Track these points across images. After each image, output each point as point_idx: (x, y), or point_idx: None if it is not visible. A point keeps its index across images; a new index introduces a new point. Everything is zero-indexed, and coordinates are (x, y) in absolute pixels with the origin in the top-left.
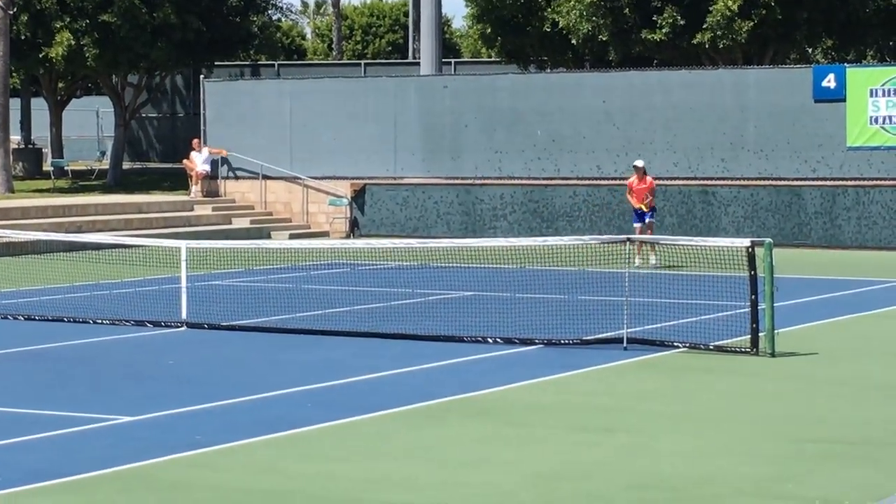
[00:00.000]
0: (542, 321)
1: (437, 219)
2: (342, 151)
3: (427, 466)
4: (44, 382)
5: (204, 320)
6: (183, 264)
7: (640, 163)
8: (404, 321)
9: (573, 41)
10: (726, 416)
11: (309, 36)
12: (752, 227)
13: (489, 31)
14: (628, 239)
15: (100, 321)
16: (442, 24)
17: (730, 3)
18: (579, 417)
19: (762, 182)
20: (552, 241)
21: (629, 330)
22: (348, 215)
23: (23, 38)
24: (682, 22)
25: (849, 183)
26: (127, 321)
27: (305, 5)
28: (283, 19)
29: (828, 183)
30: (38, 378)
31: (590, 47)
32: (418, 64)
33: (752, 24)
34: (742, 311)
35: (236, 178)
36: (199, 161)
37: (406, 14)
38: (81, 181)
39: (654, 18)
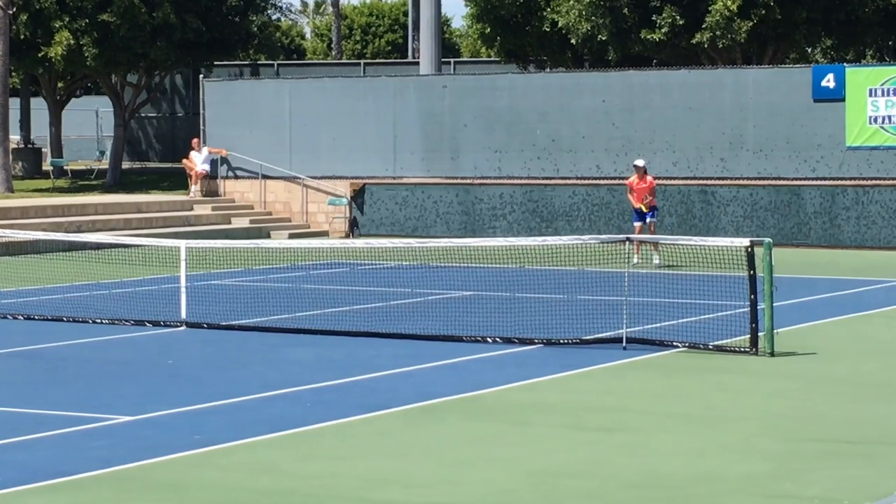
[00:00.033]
0: (542, 321)
1: (436, 218)
2: (341, 151)
3: (426, 465)
4: (43, 382)
5: (203, 320)
6: (182, 264)
7: (640, 162)
8: (404, 321)
9: (572, 41)
10: (725, 416)
11: (308, 35)
12: (751, 227)
13: (488, 30)
14: (627, 238)
15: (99, 321)
16: (441, 23)
17: (729, 3)
18: (578, 417)
19: (761, 182)
20: (551, 240)
21: (628, 329)
22: (348, 215)
23: (22, 37)
24: (681, 22)
25: (848, 182)
26: (126, 321)
27: (305, 5)
28: (282, 19)
29: (827, 182)
30: (38, 377)
31: (589, 47)
32: (418, 63)
33: (751, 23)
34: (741, 310)
35: (236, 177)
36: (198, 161)
37: (405, 14)
38: (81, 181)
39: (653, 18)
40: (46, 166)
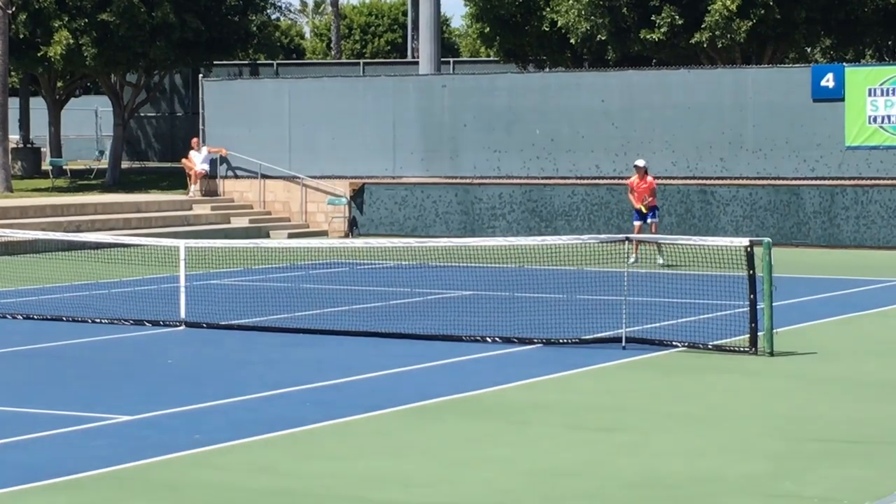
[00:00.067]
0: (541, 320)
1: (435, 218)
2: (341, 151)
3: (426, 465)
4: (42, 381)
5: (202, 319)
6: (181, 263)
7: (640, 162)
8: (403, 320)
9: (572, 41)
10: (725, 415)
11: (308, 35)
12: (750, 227)
13: (488, 30)
14: (627, 238)
15: (98, 320)
16: (441, 23)
17: (728, 3)
18: (578, 416)
19: (761, 181)
20: (551, 240)
21: (628, 329)
22: (347, 214)
23: (21, 37)
24: (680, 21)
25: (847, 182)
26: (125, 320)
27: (304, 4)
28: (281, 18)
29: (826, 182)
30: (37, 377)
31: (588, 47)
32: (417, 63)
33: (750, 23)
34: (741, 310)
35: (235, 177)
36: (197, 160)
37: (405, 13)
38: (80, 180)
39: (652, 18)
40: (45, 166)
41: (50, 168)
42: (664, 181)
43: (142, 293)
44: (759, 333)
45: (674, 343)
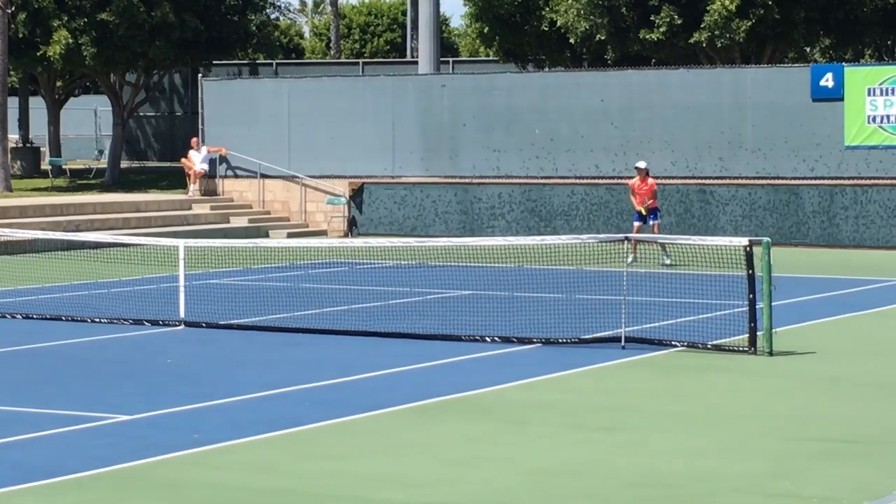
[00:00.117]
0: (540, 320)
1: (435, 218)
2: (340, 150)
3: (425, 464)
4: (41, 381)
5: (202, 319)
6: (181, 263)
7: (642, 164)
8: (402, 320)
9: (571, 40)
10: (724, 415)
11: (307, 35)
12: (750, 226)
13: (487, 30)
14: (626, 238)
15: (98, 320)
16: (440, 23)
17: (727, 3)
18: (577, 416)
19: (760, 181)
20: (550, 240)
21: (627, 329)
22: (346, 214)
23: (21, 36)
24: (679, 21)
25: (847, 182)
26: (125, 320)
27: (304, 4)
28: (281, 18)
29: (826, 182)
30: (36, 376)
31: (587, 46)
32: (416, 63)
33: (749, 23)
34: (740, 310)
35: (235, 176)
36: (197, 160)
37: (404, 13)
38: (79, 180)
39: (651, 18)
40: (45, 165)
41: (49, 168)
42: (663, 181)
43: (141, 293)
44: (759, 333)
45: (673, 343)
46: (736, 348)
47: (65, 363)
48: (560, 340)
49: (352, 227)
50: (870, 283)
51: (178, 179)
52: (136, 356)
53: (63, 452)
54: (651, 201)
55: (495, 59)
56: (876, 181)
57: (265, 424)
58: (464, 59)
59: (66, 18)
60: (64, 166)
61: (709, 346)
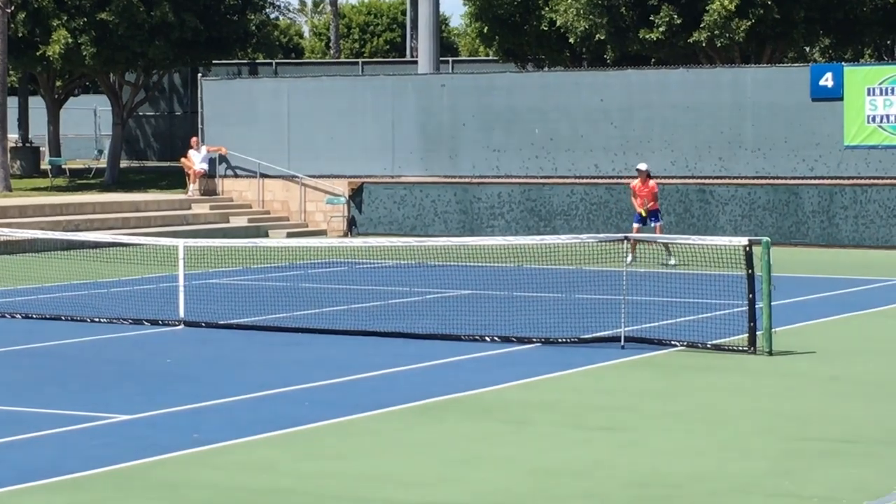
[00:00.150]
0: (540, 320)
1: (434, 217)
2: (340, 150)
3: (425, 464)
4: (41, 380)
5: (201, 319)
6: (180, 263)
7: (643, 166)
8: (402, 320)
9: (570, 40)
10: (723, 415)
11: (307, 34)
12: (749, 226)
13: (487, 29)
14: (626, 237)
15: (97, 319)
16: (440, 22)
17: (726, 3)
18: (577, 416)
19: (760, 181)
20: (550, 239)
21: (627, 328)
22: (346, 214)
23: (20, 35)
24: (678, 21)
25: (846, 182)
26: (124, 319)
27: (303, 4)
28: (280, 18)
29: (825, 182)
30: (36, 376)
31: (587, 46)
32: (416, 62)
33: (749, 23)
34: (739, 309)
35: (235, 176)
36: (196, 159)
37: (404, 13)
38: (79, 180)
39: (651, 17)
40: (44, 165)
41: (49, 167)
42: (663, 180)
43: (141, 292)
44: (758, 333)
45: (673, 342)
46: (735, 348)
47: (64, 363)
48: (560, 340)
49: (351, 227)
50: (869, 282)
51: (177, 179)
52: (136, 356)
53: (62, 452)
54: (652, 203)
55: (495, 58)
56: (875, 181)
57: (265, 424)
58: (463, 58)
59: (65, 18)
60: (63, 166)
61: (708, 346)
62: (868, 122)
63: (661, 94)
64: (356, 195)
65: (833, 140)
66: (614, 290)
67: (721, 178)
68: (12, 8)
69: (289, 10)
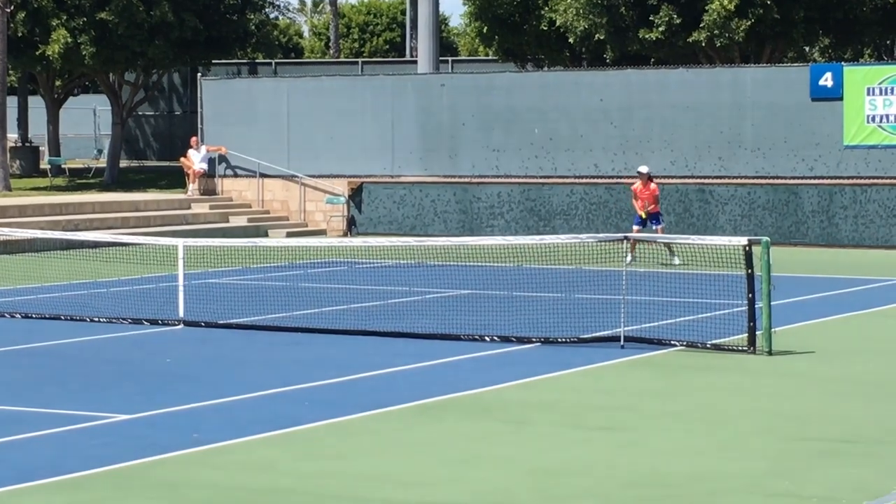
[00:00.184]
0: (540, 319)
1: (434, 217)
2: (339, 150)
3: (424, 463)
4: (40, 380)
5: (201, 318)
6: (180, 262)
7: (644, 169)
8: (401, 319)
9: (570, 39)
10: (723, 414)
11: (306, 34)
12: (749, 226)
13: (486, 29)
14: (625, 237)
15: (97, 319)
16: (439, 22)
17: (726, 2)
18: (576, 415)
19: (759, 181)
20: (549, 239)
21: (626, 328)
22: (345, 213)
23: (20, 35)
24: (678, 21)
25: (846, 181)
26: (124, 319)
27: (303, 3)
28: (280, 17)
29: (825, 181)
30: (35, 376)
31: (587, 46)
32: (416, 62)
33: (748, 22)
34: (739, 309)
35: (235, 175)
36: (196, 159)
37: (403, 12)
38: (78, 179)
39: (650, 17)
40: (44, 165)
41: (48, 167)
42: (663, 180)
43: (140, 292)
44: (758, 333)
45: (672, 342)
46: (735, 348)
47: (64, 363)
48: (559, 340)
49: (351, 227)
50: (869, 282)
51: (177, 179)
52: (136, 356)
53: (62, 452)
54: (653, 206)
55: (494, 58)
56: (875, 181)
57: (264, 424)
58: (463, 58)
59: (65, 18)
60: (63, 165)
61: (708, 346)
62: (868, 122)
63: (660, 93)
64: (356, 195)
65: (833, 140)
66: (614, 289)
67: (721, 177)
68: (12, 7)
69: (288, 9)
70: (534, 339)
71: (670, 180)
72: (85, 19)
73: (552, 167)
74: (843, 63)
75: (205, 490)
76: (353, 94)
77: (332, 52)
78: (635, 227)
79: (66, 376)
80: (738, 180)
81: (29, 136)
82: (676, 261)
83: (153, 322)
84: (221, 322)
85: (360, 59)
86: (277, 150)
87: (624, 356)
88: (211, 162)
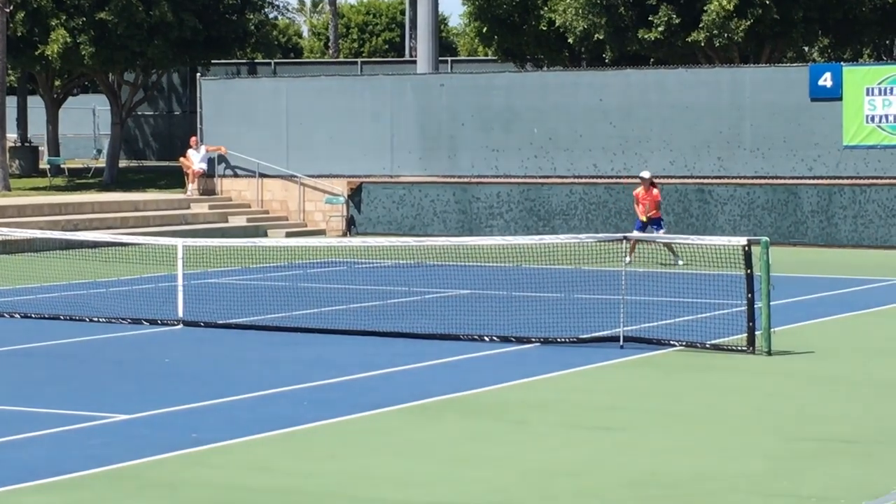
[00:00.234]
0: (539, 320)
1: (433, 217)
2: (339, 150)
3: (423, 463)
4: (40, 380)
5: (200, 318)
6: (179, 262)
7: (646, 174)
8: (401, 319)
9: (569, 39)
10: (722, 414)
11: (305, 34)
12: (748, 226)
13: (486, 29)
14: (625, 237)
15: (96, 319)
16: (438, 22)
17: (725, 3)
18: (575, 415)
19: (759, 181)
20: (549, 239)
21: (626, 328)
22: (345, 213)
23: (19, 35)
24: (677, 21)
25: (845, 182)
26: (123, 319)
27: (302, 3)
28: (279, 17)
29: (824, 181)
30: (34, 376)
31: (586, 46)
32: (415, 62)
33: (748, 22)
34: (738, 309)
35: (234, 175)
36: (195, 159)
37: (402, 12)
38: (78, 179)
39: (649, 17)
40: (43, 164)
41: (48, 167)
42: (662, 180)
43: (139, 292)
44: (757, 333)
45: (671, 342)
46: (734, 348)
47: (63, 362)
48: (558, 340)
49: (350, 227)
50: (868, 282)
51: (176, 179)
52: (134, 355)
53: (61, 452)
54: (654, 212)
55: (494, 58)
56: (874, 181)
57: (263, 424)
58: (462, 58)
59: (64, 17)
60: (62, 165)
61: (707, 346)
62: (867, 122)
63: (659, 93)
64: (355, 195)
65: (832, 140)
66: (613, 289)
67: (720, 177)
68: (11, 7)
69: (287, 9)
70: (533, 339)
71: (669, 180)
72: (84, 19)
73: (551, 167)
74: (842, 63)
75: (204, 490)
76: (353, 94)
77: (331, 52)
78: (635, 232)
79: (65, 376)
80: (738, 180)
81: (28, 135)
82: (681, 262)
83: (152, 322)
84: (220, 322)
85: (359, 59)
86: (277, 150)
87: (623, 356)
88: (210, 162)
